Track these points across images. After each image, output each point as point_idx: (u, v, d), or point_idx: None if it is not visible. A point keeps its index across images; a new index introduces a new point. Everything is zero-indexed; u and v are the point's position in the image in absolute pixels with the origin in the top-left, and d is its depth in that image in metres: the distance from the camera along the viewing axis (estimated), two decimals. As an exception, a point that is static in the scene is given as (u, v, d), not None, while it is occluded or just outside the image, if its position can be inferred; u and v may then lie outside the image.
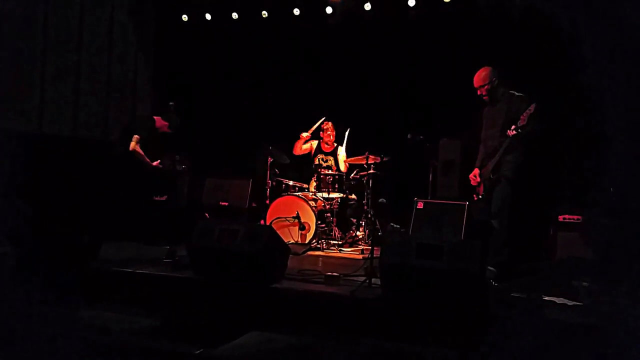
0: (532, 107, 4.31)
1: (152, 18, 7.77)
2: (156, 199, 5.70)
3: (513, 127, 4.38)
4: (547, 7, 5.87)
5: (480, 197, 4.71)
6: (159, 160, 5.80)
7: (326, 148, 6.74)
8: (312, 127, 6.64)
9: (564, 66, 5.90)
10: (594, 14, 5.41)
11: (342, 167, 6.65)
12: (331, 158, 6.70)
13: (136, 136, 5.58)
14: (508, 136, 4.43)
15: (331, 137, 6.67)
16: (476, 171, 4.80)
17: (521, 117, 4.33)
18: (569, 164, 5.79)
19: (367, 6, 6.87)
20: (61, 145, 6.22)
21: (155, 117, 5.94)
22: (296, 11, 7.19)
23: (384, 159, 5.69)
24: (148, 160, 5.71)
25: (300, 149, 6.72)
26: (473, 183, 4.80)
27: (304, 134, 6.64)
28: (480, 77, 4.68)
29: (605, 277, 4.30)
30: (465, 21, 6.44)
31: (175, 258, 4.62)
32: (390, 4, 6.81)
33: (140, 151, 5.62)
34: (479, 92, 4.69)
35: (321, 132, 6.70)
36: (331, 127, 6.64)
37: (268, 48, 7.44)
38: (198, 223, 4.17)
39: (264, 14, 7.29)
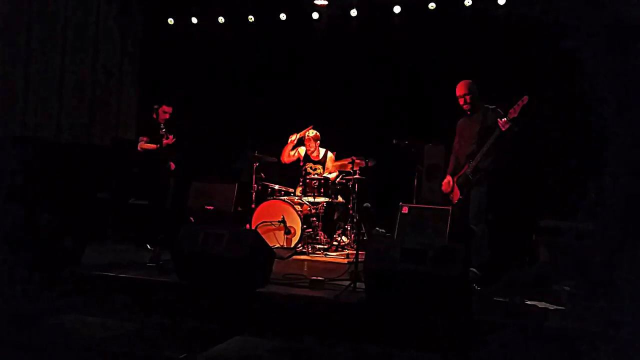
0: (525, 98, 4.24)
1: (139, 22, 7.73)
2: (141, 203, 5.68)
3: (504, 119, 4.31)
4: (531, 12, 5.95)
5: (454, 203, 4.74)
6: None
7: (314, 157, 6.70)
8: (299, 132, 6.59)
9: (549, 72, 5.98)
10: (579, 18, 5.48)
11: (331, 170, 6.61)
12: (320, 167, 6.65)
13: (141, 137, 5.88)
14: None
15: (313, 149, 6.57)
16: (449, 178, 4.82)
17: (513, 108, 4.25)
18: (552, 170, 5.85)
19: (353, 12, 6.91)
20: (44, 149, 6.15)
21: (158, 109, 5.88)
22: (282, 16, 7.21)
23: (369, 164, 5.70)
24: (156, 146, 5.73)
25: (288, 155, 6.61)
26: (446, 190, 4.82)
27: (292, 137, 6.56)
28: (462, 86, 4.68)
29: (586, 281, 4.36)
30: (450, 27, 6.50)
31: (160, 262, 4.60)
32: (375, 10, 6.86)
33: (147, 146, 5.80)
34: (461, 102, 4.69)
35: (305, 140, 6.62)
36: (313, 138, 6.49)
37: (254, 52, 7.44)
38: (183, 227, 4.15)
39: (251, 18, 7.29)
